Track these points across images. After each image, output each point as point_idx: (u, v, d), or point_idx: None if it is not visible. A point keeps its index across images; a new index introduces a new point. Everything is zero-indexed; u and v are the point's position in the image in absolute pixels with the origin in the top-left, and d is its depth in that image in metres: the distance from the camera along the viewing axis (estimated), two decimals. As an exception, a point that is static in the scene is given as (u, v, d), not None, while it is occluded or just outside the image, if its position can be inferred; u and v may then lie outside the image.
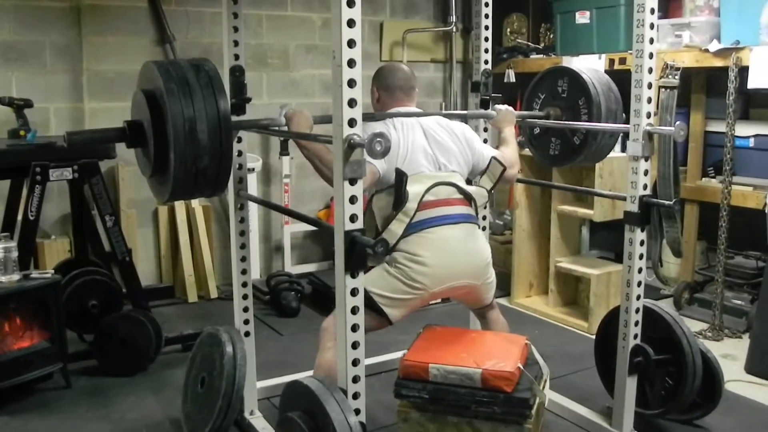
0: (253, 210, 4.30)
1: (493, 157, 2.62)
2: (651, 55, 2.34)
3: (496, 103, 2.97)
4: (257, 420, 2.72)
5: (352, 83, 1.72)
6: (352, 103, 1.73)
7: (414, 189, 2.36)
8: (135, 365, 3.22)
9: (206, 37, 4.37)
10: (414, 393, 2.30)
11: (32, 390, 3.02)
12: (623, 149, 3.70)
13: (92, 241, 3.68)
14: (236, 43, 2.50)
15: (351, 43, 1.70)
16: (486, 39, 3.05)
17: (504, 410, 2.23)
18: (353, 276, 1.82)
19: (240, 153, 2.59)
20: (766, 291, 3.30)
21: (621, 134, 3.46)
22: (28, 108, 3.51)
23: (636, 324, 2.50)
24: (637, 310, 2.49)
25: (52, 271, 3.05)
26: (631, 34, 2.41)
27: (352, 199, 1.78)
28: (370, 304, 2.33)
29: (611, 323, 2.68)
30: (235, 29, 2.49)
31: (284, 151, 4.52)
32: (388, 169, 2.37)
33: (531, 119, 2.94)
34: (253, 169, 4.34)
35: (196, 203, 4.33)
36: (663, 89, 3.71)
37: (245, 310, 2.65)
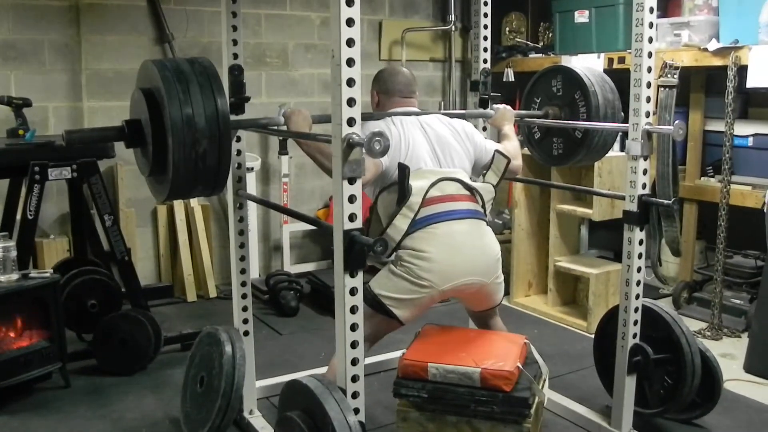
0: (252, 209, 4.30)
1: (497, 151, 2.57)
2: (650, 54, 2.34)
3: (495, 102, 2.97)
4: (256, 419, 2.72)
5: (351, 82, 1.72)
6: (351, 102, 1.73)
7: (418, 184, 2.32)
8: (134, 365, 3.22)
9: (205, 36, 4.37)
10: (413, 392, 2.30)
11: (31, 389, 3.02)
12: (622, 148, 3.71)
13: (91, 241, 3.68)
14: (235, 42, 2.49)
15: (350, 42, 1.70)
16: (485, 38, 3.05)
17: (503, 409, 2.23)
18: (352, 275, 1.81)
19: (239, 152, 2.58)
20: (765, 290, 3.31)
21: (620, 134, 3.48)
22: (27, 107, 3.51)
23: (635, 323, 2.50)
24: (636, 310, 2.49)
25: (51, 271, 3.05)
26: (630, 33, 2.41)
27: (351, 198, 1.77)
28: (379, 307, 2.32)
29: (610, 322, 2.68)
30: (234, 28, 2.49)
31: (283, 150, 4.52)
32: (391, 165, 2.34)
33: (530, 119, 2.94)
34: (252, 169, 4.35)
35: (195, 202, 4.33)
36: (662, 88, 3.72)
37: (244, 309, 2.65)
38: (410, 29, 5.00)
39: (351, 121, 1.73)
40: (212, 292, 4.33)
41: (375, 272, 2.38)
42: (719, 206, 3.70)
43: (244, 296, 2.64)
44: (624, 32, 4.13)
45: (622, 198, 2.48)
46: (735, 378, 3.19)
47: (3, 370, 2.83)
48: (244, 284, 2.64)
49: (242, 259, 2.62)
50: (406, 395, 2.32)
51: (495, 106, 2.86)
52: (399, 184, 2.29)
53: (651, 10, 2.31)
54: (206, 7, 4.33)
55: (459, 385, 2.25)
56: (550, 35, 4.79)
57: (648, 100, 2.36)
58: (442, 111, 4.64)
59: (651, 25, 2.32)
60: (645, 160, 2.40)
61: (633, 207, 2.43)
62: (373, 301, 2.30)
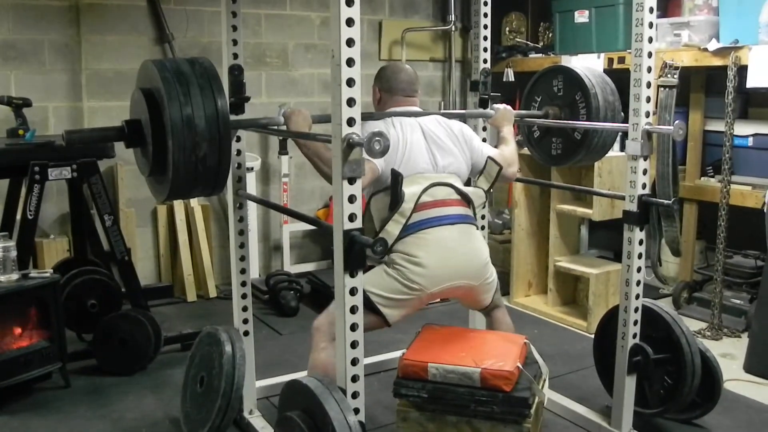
0: (252, 209, 4.30)
1: (490, 157, 2.61)
2: (650, 54, 2.34)
3: (495, 102, 2.97)
4: (256, 419, 2.72)
5: (351, 82, 1.72)
6: (351, 102, 1.73)
7: (410, 190, 2.36)
8: (134, 365, 3.22)
9: (205, 36, 4.37)
10: (413, 392, 2.30)
11: (31, 389, 3.02)
12: (622, 148, 3.71)
13: (91, 241, 3.68)
14: (235, 42, 2.49)
15: (350, 42, 1.70)
16: (485, 38, 3.05)
17: (503, 409, 2.23)
18: (352, 275, 1.81)
19: (239, 152, 2.58)
20: (765, 290, 3.30)
21: (620, 134, 3.48)
22: (27, 107, 3.51)
23: (635, 323, 2.50)
24: (636, 310, 2.49)
25: (51, 271, 3.05)
26: (630, 33, 2.41)
27: (351, 198, 1.78)
28: (368, 304, 2.33)
29: (610, 322, 2.68)
30: (234, 28, 2.49)
31: (283, 150, 4.52)
32: (387, 168, 2.36)
33: (530, 118, 2.94)
34: (252, 169, 4.35)
35: (195, 202, 4.33)
36: (662, 88, 3.72)
37: (244, 309, 2.65)
38: (410, 29, 5.00)
39: (351, 121, 1.74)
40: (212, 292, 4.33)
41: (366, 270, 2.40)
42: (719, 206, 3.70)
43: (244, 296, 2.64)
44: (624, 32, 4.13)
45: (622, 198, 2.48)
46: (735, 378, 3.19)
47: (3, 370, 2.83)
48: (244, 284, 2.64)
49: (242, 259, 2.62)
50: (406, 395, 2.32)
51: (495, 106, 2.85)
52: (392, 190, 2.32)
53: (651, 10, 2.31)
54: (206, 7, 4.33)
55: (459, 385, 2.25)
56: (550, 35, 4.79)
57: (648, 100, 2.36)
58: (442, 111, 4.65)
59: (651, 25, 2.33)
60: (645, 160, 2.40)
61: (633, 207, 2.43)
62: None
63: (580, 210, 3.94)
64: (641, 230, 2.45)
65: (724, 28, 3.67)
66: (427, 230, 2.36)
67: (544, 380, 2.46)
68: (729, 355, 3.45)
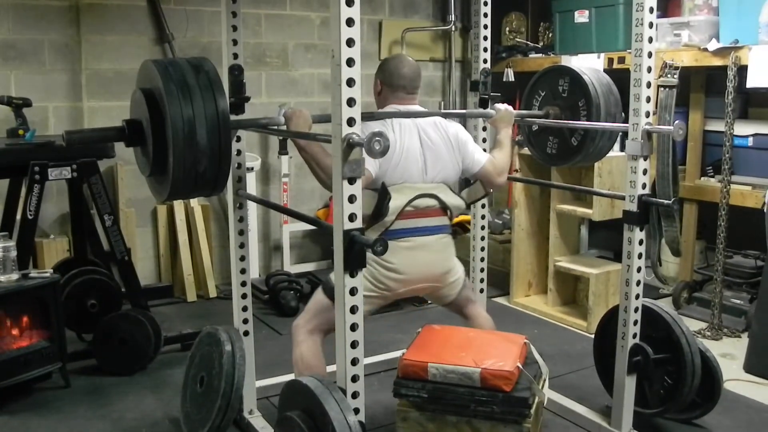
0: (252, 209, 4.30)
1: (480, 180, 2.66)
2: (650, 54, 2.34)
3: (495, 102, 2.96)
4: (256, 419, 2.72)
5: (351, 82, 1.72)
6: (351, 102, 1.73)
7: (395, 203, 2.40)
8: (134, 364, 3.22)
9: (205, 36, 4.37)
10: (413, 392, 2.30)
11: (31, 389, 3.02)
12: (622, 148, 3.71)
13: (91, 241, 3.67)
14: (235, 42, 2.49)
15: (350, 42, 1.70)
16: (485, 38, 3.05)
17: (503, 409, 2.23)
18: (352, 275, 1.81)
19: (239, 152, 2.58)
20: (765, 290, 3.30)
21: (620, 135, 3.48)
22: (27, 107, 3.51)
23: (635, 323, 2.50)
24: (636, 310, 2.49)
25: (51, 271, 3.05)
26: (630, 33, 2.41)
27: (351, 198, 1.77)
28: (331, 294, 2.34)
29: (610, 322, 2.68)
30: (234, 28, 2.49)
31: (283, 150, 4.52)
32: (380, 173, 2.39)
33: (530, 118, 2.94)
34: (252, 169, 4.35)
35: (195, 202, 4.33)
36: (662, 88, 3.72)
37: (244, 309, 2.65)
38: (410, 29, 5.00)
39: (351, 121, 1.73)
40: (212, 292, 4.33)
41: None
42: (719, 206, 3.70)
43: (244, 296, 2.64)
44: (624, 32, 4.13)
45: (622, 198, 2.48)
46: (735, 378, 3.19)
47: (3, 370, 2.83)
48: (244, 284, 2.64)
49: (242, 259, 2.62)
50: (406, 395, 2.32)
51: (496, 106, 2.84)
52: (378, 203, 2.36)
53: (651, 10, 2.31)
54: (206, 7, 4.33)
55: (459, 385, 2.26)
56: (550, 35, 4.78)
57: (648, 100, 2.36)
58: (442, 111, 4.66)
59: (651, 25, 2.32)
60: (645, 160, 2.40)
61: (633, 207, 2.43)
62: (332, 293, 2.31)
63: (580, 210, 3.94)
64: (641, 230, 2.45)
65: (724, 28, 3.67)
66: (406, 239, 2.45)
67: (544, 380, 2.46)
68: (729, 355, 3.45)
